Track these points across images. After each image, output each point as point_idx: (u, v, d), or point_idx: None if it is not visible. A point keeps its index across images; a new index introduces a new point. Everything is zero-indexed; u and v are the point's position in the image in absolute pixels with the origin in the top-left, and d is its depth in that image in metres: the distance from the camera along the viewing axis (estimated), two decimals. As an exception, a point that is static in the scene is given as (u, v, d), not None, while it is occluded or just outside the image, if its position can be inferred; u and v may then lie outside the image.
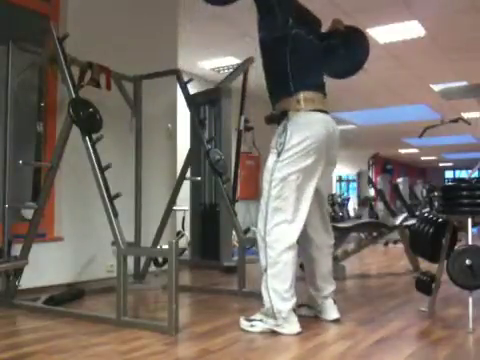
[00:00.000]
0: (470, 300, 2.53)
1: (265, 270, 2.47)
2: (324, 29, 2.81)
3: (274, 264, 2.44)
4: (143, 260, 4.01)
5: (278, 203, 2.46)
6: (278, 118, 2.56)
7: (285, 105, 2.52)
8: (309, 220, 2.59)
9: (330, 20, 2.77)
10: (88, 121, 2.90)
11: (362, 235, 6.04)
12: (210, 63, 7.27)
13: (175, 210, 4.13)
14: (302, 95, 2.49)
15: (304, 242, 2.68)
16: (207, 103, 5.10)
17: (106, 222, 2.72)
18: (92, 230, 3.82)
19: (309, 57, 2.59)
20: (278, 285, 2.44)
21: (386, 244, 7.68)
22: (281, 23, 2.47)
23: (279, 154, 2.46)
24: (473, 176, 2.96)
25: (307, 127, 2.46)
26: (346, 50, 2.72)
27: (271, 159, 2.52)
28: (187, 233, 5.50)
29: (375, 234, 4.92)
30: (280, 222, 2.45)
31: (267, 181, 2.51)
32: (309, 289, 2.77)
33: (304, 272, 2.82)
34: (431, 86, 8.39)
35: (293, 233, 2.46)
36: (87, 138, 2.83)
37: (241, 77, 5.19)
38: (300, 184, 2.46)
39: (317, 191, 2.59)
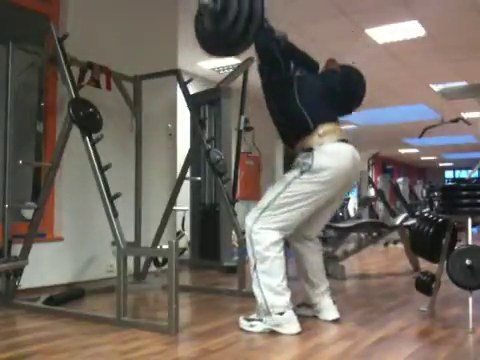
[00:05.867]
0: (470, 300, 2.53)
1: (254, 267, 2.50)
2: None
3: (263, 260, 2.47)
4: (143, 260, 4.01)
5: (277, 213, 2.49)
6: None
7: (307, 142, 2.51)
8: (308, 222, 2.64)
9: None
10: (88, 121, 2.90)
11: (362, 235, 6.03)
12: (210, 63, 7.27)
13: (175, 210, 4.13)
14: (322, 129, 2.50)
15: (291, 238, 2.72)
16: (207, 103, 5.10)
17: (106, 222, 2.72)
18: (92, 230, 3.82)
19: (316, 94, 2.62)
20: (270, 280, 2.46)
21: (386, 244, 7.68)
22: (284, 68, 2.56)
23: (302, 173, 2.46)
24: (473, 176, 2.96)
25: (334, 158, 2.47)
26: (343, 88, 2.74)
27: (291, 174, 2.51)
28: (187, 233, 5.50)
29: (375, 234, 4.93)
30: (271, 228, 2.49)
31: (276, 191, 2.52)
32: (305, 287, 2.78)
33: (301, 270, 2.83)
34: (431, 86, 8.39)
35: (279, 236, 2.50)
36: (87, 138, 2.83)
37: (241, 77, 5.19)
38: (308, 206, 2.50)
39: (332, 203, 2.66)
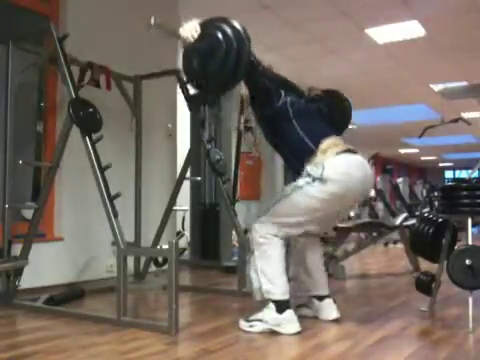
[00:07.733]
0: (470, 300, 2.53)
1: (252, 252, 2.54)
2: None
3: (260, 245, 2.51)
4: (143, 260, 4.01)
5: (282, 218, 2.50)
6: None
7: (312, 162, 2.46)
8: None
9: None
10: (88, 121, 2.90)
11: (362, 235, 6.03)
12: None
13: (175, 210, 4.13)
14: (324, 144, 2.47)
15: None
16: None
17: (106, 222, 2.72)
18: (92, 230, 3.82)
19: (311, 116, 2.63)
20: (266, 266, 2.48)
21: (386, 244, 7.68)
22: (276, 98, 2.57)
23: (314, 180, 2.40)
24: (473, 176, 2.96)
25: (345, 174, 2.42)
26: (330, 110, 2.78)
27: (303, 180, 2.45)
28: (187, 233, 5.51)
29: (375, 234, 4.92)
30: (271, 224, 2.52)
31: (286, 194, 2.50)
32: (302, 277, 2.77)
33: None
34: (431, 86, 8.39)
35: (278, 231, 2.53)
36: (87, 138, 2.83)
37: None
38: (313, 217, 2.50)
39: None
